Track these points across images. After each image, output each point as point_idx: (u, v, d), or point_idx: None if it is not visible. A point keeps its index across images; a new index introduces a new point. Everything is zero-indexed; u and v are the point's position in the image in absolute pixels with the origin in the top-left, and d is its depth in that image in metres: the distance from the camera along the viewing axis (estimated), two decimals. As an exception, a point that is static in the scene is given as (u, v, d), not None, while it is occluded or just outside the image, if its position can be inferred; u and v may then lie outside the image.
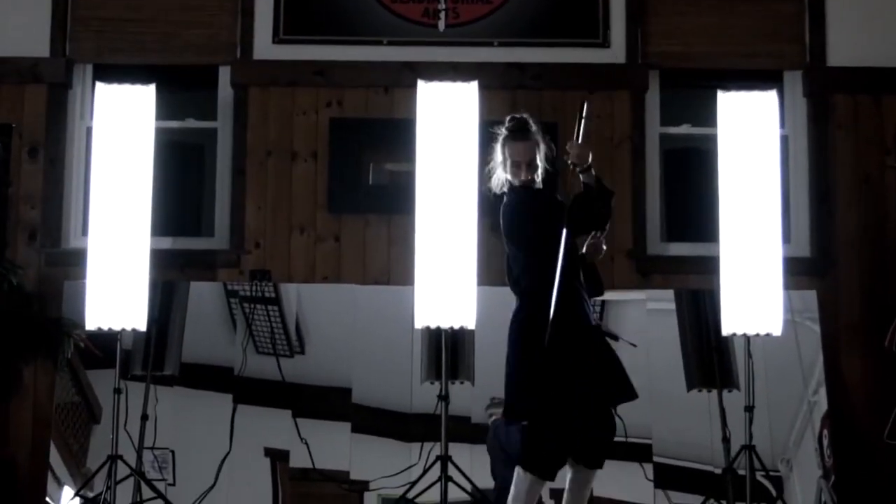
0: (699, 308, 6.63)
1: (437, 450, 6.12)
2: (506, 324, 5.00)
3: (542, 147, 5.10)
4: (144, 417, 6.39)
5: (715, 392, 6.50)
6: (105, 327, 6.15)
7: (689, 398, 6.52)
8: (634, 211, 6.84)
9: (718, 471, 6.34)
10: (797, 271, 6.67)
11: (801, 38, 6.98)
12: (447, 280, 6.07)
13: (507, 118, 5.12)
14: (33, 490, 6.42)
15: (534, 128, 5.10)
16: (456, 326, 6.11)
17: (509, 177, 5.08)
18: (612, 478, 6.28)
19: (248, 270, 6.75)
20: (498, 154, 5.12)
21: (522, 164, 5.05)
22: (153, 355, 6.53)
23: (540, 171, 5.09)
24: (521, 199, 5.07)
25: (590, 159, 4.89)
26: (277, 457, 6.40)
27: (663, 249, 6.93)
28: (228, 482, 6.30)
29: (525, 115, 5.13)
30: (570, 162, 4.89)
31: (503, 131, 5.10)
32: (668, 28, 6.99)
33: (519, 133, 5.08)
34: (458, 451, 6.12)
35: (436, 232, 6.12)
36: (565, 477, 5.00)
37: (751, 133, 6.32)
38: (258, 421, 6.44)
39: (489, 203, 5.36)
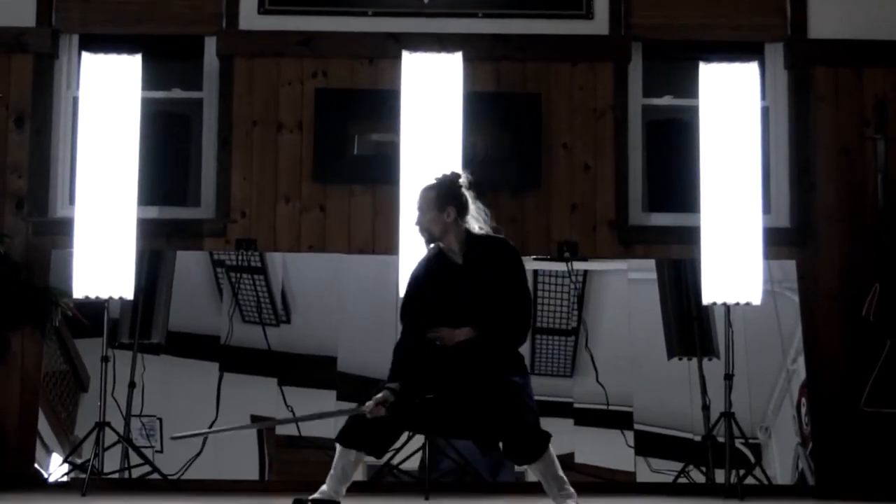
0: (680, 278, 6.68)
1: (421, 417, 6.16)
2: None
3: (463, 208, 4.95)
4: (132, 385, 6.44)
5: (695, 360, 6.56)
6: (92, 296, 6.19)
7: (669, 366, 6.57)
8: (617, 182, 6.87)
9: (698, 438, 6.41)
10: (777, 241, 6.73)
11: (783, 11, 7.00)
12: (431, 250, 6.09)
13: None
14: (21, 457, 6.45)
15: (444, 185, 4.95)
16: (440, 296, 6.13)
17: None
18: (594, 445, 6.38)
19: (234, 240, 6.77)
20: None
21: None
22: (140, 324, 6.56)
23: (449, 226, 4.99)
24: (421, 268, 5.07)
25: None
26: (264, 424, 6.45)
27: (645, 220, 6.97)
28: (215, 449, 6.35)
29: (449, 175, 5.00)
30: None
31: None
32: (651, 0, 7.01)
33: None
34: (442, 419, 6.17)
35: (420, 202, 6.14)
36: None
37: (732, 105, 6.37)
38: (244, 389, 6.48)
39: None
